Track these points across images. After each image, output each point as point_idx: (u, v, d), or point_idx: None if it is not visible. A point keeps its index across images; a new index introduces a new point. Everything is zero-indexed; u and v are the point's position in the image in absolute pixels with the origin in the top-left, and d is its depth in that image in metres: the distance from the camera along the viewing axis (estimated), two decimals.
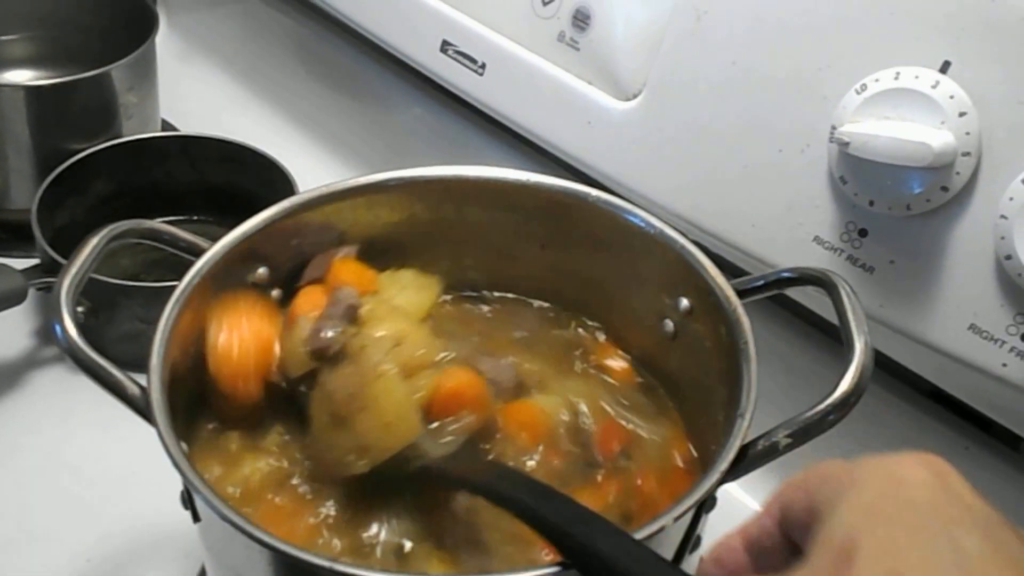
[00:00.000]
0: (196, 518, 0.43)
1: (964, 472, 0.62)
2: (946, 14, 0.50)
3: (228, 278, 0.50)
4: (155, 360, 0.43)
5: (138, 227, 0.48)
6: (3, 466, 0.66)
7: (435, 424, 0.46)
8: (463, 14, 0.71)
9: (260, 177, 0.79)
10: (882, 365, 0.64)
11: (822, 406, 0.42)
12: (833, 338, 0.66)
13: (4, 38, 0.91)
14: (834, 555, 0.30)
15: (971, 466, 0.62)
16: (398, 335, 0.46)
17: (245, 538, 0.37)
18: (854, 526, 0.31)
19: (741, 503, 0.65)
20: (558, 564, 0.36)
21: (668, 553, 0.41)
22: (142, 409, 0.42)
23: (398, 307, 0.51)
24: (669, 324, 0.53)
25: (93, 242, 0.46)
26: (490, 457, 0.47)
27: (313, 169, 0.82)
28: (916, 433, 0.64)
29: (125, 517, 0.62)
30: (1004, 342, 0.51)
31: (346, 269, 0.53)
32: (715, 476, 0.40)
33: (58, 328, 0.43)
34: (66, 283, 0.44)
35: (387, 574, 0.37)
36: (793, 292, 0.61)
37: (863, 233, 0.54)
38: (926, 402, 0.65)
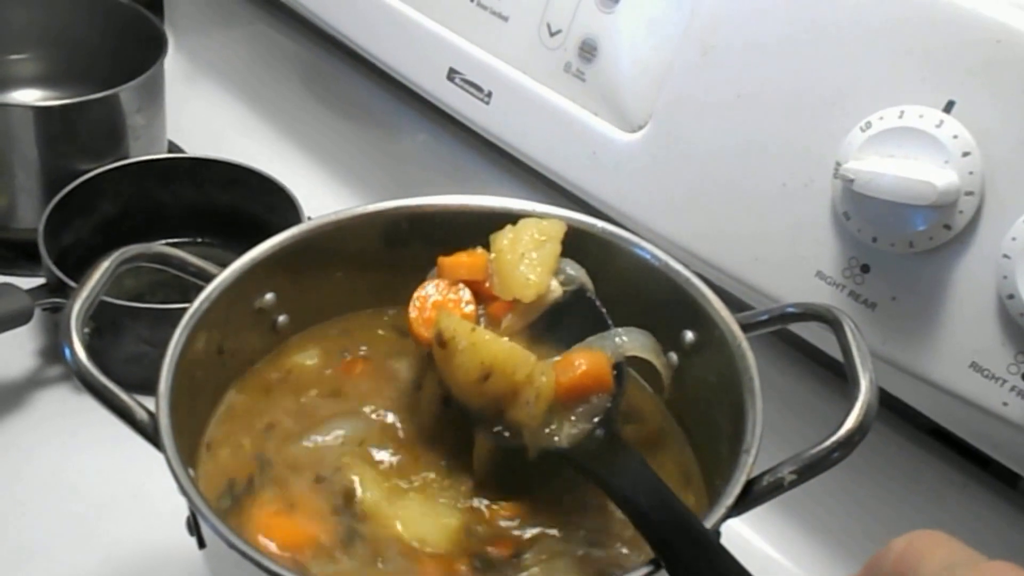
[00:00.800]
0: (202, 544, 0.44)
1: (963, 509, 0.63)
2: (951, 54, 0.51)
3: (236, 304, 0.51)
4: (163, 386, 0.43)
5: (148, 251, 0.48)
6: (7, 486, 0.66)
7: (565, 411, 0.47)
8: (471, 43, 0.71)
9: (266, 201, 0.80)
10: (882, 401, 0.64)
11: (827, 443, 0.42)
12: (836, 374, 0.66)
13: (13, 57, 0.91)
14: None
15: (970, 503, 0.63)
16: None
17: (251, 566, 0.37)
18: None
19: (745, 539, 0.65)
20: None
21: None
22: (150, 434, 0.42)
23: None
24: (673, 357, 0.54)
25: (104, 266, 0.46)
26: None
27: (318, 194, 0.83)
28: (915, 469, 0.65)
29: (128, 540, 0.62)
30: (1005, 381, 0.51)
31: (455, 263, 0.53)
32: (720, 511, 0.40)
33: (68, 351, 0.43)
34: (76, 306, 0.44)
35: None
36: (797, 327, 0.62)
37: (865, 269, 0.55)
38: (926, 438, 0.66)
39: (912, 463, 0.65)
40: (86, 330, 0.69)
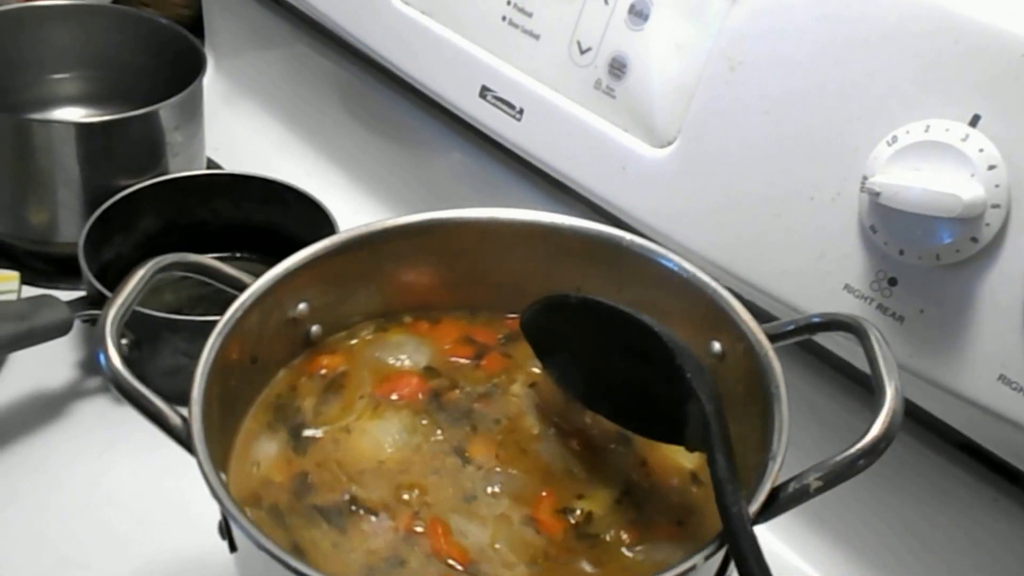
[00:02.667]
0: (233, 548, 0.44)
1: (993, 523, 0.62)
2: (976, 69, 0.51)
3: (270, 313, 0.52)
4: (197, 391, 0.44)
5: (183, 260, 0.49)
6: (45, 494, 0.67)
7: None
8: (503, 61, 0.72)
9: (302, 217, 0.81)
10: (912, 415, 0.64)
11: (853, 450, 0.42)
12: (862, 385, 0.66)
13: (57, 76, 0.93)
14: None
15: (1000, 517, 0.63)
16: None
17: (282, 568, 0.38)
18: None
19: (771, 550, 0.65)
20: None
21: None
22: (183, 439, 0.43)
23: None
24: None
25: (140, 274, 0.47)
26: None
27: (354, 211, 0.84)
28: (946, 483, 0.64)
29: (164, 547, 0.63)
30: None
31: None
32: None
33: (102, 357, 0.44)
34: (111, 313, 0.45)
35: None
36: (823, 339, 0.62)
37: (893, 282, 0.55)
38: (956, 453, 0.65)
39: (943, 477, 0.64)
40: (125, 341, 0.71)
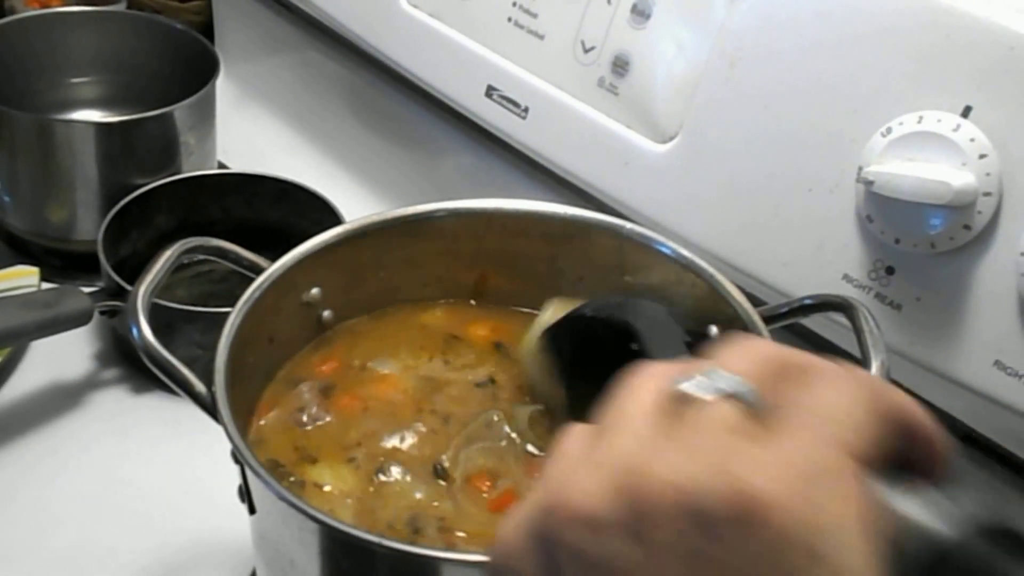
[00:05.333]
0: (252, 510, 0.46)
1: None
2: (967, 62, 0.52)
3: (285, 295, 0.54)
4: (220, 361, 0.46)
5: (206, 244, 0.52)
6: (64, 479, 0.69)
7: None
8: (508, 60, 0.74)
9: (311, 215, 0.82)
10: None
11: None
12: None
13: (76, 80, 0.95)
14: None
15: (1005, 508, 0.63)
16: None
17: (301, 517, 0.39)
18: None
19: None
20: None
21: None
22: (208, 406, 0.45)
23: None
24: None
25: (166, 255, 0.49)
26: None
27: (362, 209, 0.84)
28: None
29: (178, 529, 0.65)
30: None
31: None
32: None
33: (135, 329, 0.46)
34: (142, 289, 0.47)
35: (431, 550, 0.40)
36: (814, 323, 0.63)
37: (890, 271, 0.56)
38: (960, 444, 0.65)
39: None
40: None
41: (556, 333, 0.52)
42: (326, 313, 0.57)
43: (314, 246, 0.55)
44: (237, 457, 0.44)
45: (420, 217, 0.59)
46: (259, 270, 0.53)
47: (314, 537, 0.41)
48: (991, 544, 0.32)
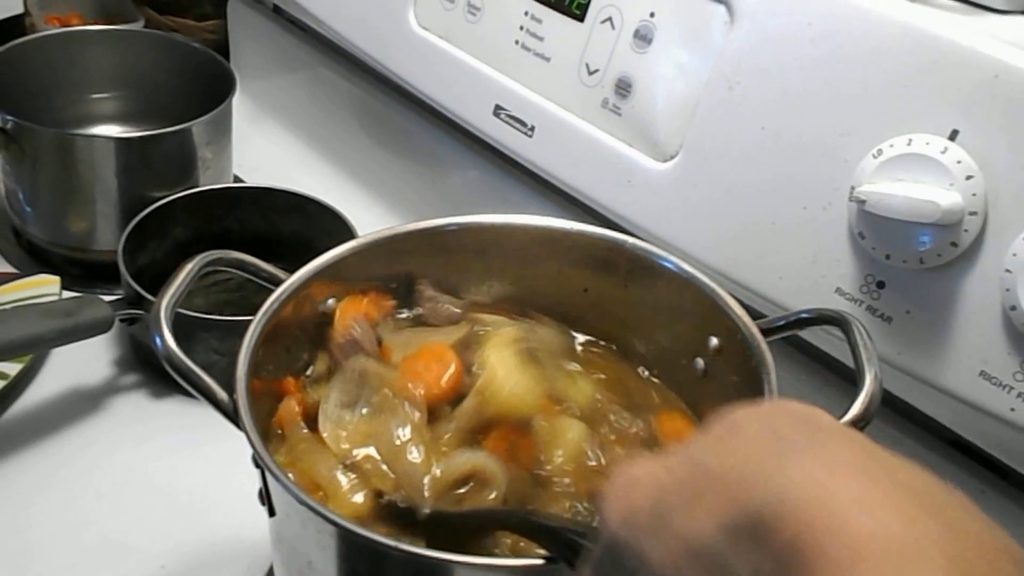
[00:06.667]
0: (272, 512, 0.48)
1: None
2: (955, 87, 0.54)
3: (302, 305, 0.55)
4: (241, 369, 0.48)
5: (227, 256, 0.54)
6: (85, 480, 0.71)
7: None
8: (515, 81, 0.75)
9: (323, 227, 0.84)
10: (905, 413, 0.66)
11: None
12: (840, 376, 0.69)
13: (97, 96, 0.98)
14: None
15: (987, 508, 0.65)
16: None
17: (319, 520, 0.41)
18: None
19: None
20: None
21: None
22: (229, 412, 0.47)
23: None
24: (700, 362, 0.57)
25: (189, 267, 0.51)
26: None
27: (373, 222, 0.86)
28: (935, 475, 0.67)
29: (197, 529, 0.67)
30: (1012, 387, 0.53)
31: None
32: None
33: (158, 339, 0.48)
34: (165, 300, 0.49)
35: (446, 554, 0.41)
36: (810, 335, 0.65)
37: (881, 285, 0.57)
38: (947, 448, 0.67)
39: (933, 470, 0.67)
40: None
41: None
42: None
43: (330, 259, 0.57)
44: (258, 461, 0.46)
45: (429, 232, 0.60)
46: (277, 281, 0.55)
47: (332, 539, 0.43)
48: None
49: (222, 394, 0.48)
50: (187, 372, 0.48)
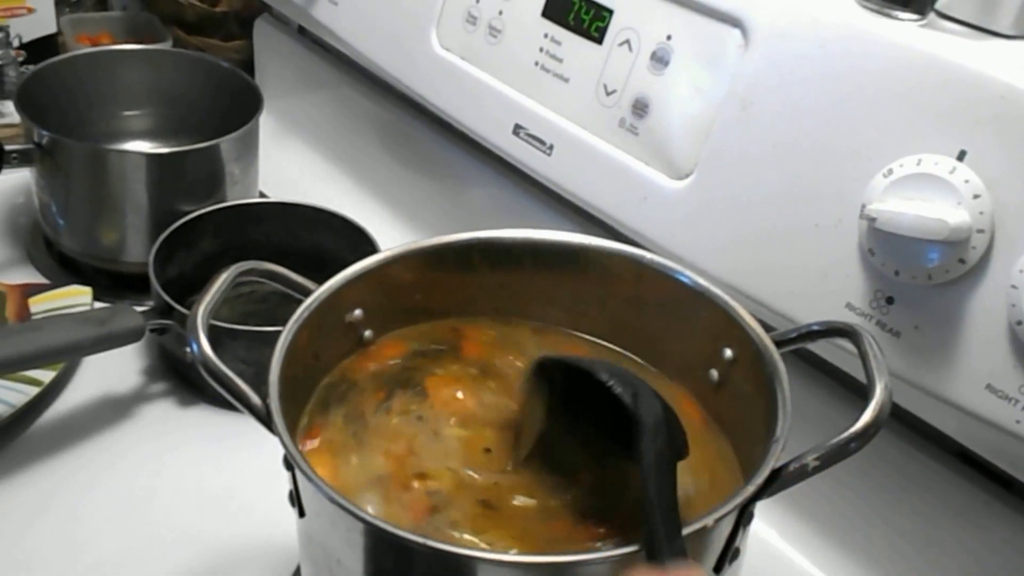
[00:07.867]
0: (302, 513, 0.50)
1: (986, 524, 0.67)
2: (962, 110, 0.55)
3: (330, 315, 0.57)
4: (274, 374, 0.50)
5: (260, 267, 0.55)
6: (116, 484, 0.72)
7: None
8: (535, 101, 0.77)
9: (346, 240, 0.86)
10: (912, 426, 0.67)
11: (846, 435, 0.47)
12: (850, 388, 0.70)
13: (129, 113, 1.00)
14: None
15: (992, 519, 0.67)
16: None
17: (350, 519, 0.43)
18: None
19: (783, 554, 0.70)
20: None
21: (710, 559, 0.47)
22: (263, 416, 0.49)
23: None
24: (714, 373, 0.58)
25: (223, 276, 0.53)
26: None
27: (393, 235, 0.88)
28: (942, 486, 0.67)
29: (223, 534, 0.68)
30: (1017, 401, 0.54)
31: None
32: (752, 488, 0.45)
33: (195, 345, 0.50)
34: (201, 308, 0.51)
35: (474, 551, 0.42)
36: (819, 348, 0.66)
37: (890, 301, 0.58)
38: (953, 460, 0.68)
39: (939, 481, 0.67)
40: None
41: (550, 365, 0.54)
42: (367, 333, 0.61)
43: (357, 271, 0.58)
44: (289, 463, 0.48)
45: (453, 245, 0.62)
46: (307, 292, 0.56)
47: (361, 538, 0.44)
48: None
49: (256, 399, 0.49)
50: (222, 377, 0.49)
